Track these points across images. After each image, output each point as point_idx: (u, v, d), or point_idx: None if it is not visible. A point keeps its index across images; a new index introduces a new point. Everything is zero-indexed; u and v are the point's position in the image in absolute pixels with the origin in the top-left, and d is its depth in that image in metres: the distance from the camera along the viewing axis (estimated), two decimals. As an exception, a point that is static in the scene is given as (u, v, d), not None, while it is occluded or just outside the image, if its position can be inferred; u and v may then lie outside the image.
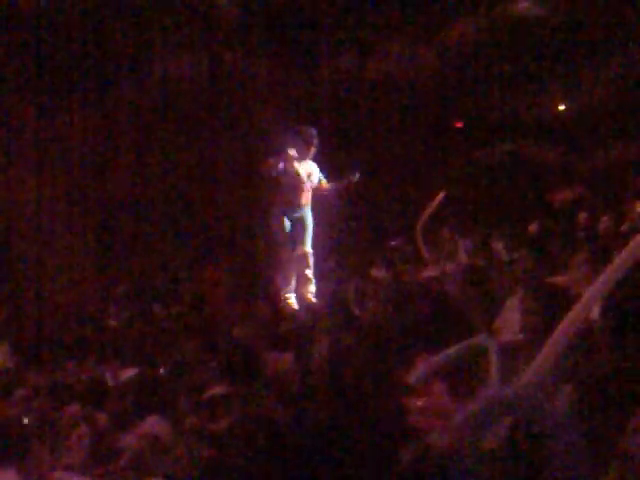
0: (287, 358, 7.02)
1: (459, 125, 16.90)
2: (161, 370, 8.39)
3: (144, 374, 8.03)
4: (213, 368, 7.43)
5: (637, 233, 2.45)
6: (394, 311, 6.46)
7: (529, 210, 13.17)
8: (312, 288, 9.72)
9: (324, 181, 9.78)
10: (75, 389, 8.57)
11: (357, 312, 7.99)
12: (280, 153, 9.36)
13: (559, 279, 5.91)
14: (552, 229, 10.49)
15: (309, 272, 9.73)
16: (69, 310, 14.54)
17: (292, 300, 9.66)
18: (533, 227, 11.02)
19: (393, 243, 12.18)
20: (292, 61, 16.23)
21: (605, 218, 9.78)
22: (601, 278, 2.44)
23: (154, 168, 15.55)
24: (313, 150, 9.49)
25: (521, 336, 5.16)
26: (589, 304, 2.44)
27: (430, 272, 8.78)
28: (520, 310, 5.55)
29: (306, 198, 9.68)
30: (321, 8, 15.82)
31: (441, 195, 10.26)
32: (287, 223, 9.60)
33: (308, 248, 9.72)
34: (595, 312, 3.57)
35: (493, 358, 4.15)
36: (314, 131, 9.53)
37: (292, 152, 9.35)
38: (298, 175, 9.50)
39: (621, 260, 2.35)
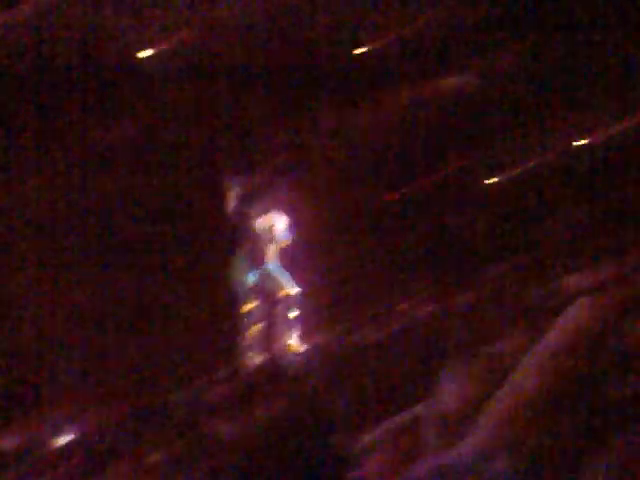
0: (223, 429, 6.96)
1: (394, 197, 17.06)
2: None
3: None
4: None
5: (568, 305, 2.55)
6: (335, 383, 6.48)
7: (465, 280, 13.31)
8: (295, 337, 9.00)
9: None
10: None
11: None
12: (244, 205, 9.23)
13: (495, 349, 6.01)
14: (486, 300, 10.62)
15: (292, 315, 9.05)
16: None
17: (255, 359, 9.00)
18: (468, 297, 11.14)
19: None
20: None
21: (537, 290, 9.93)
22: (536, 349, 2.53)
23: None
24: (279, 200, 9.26)
25: (460, 405, 5.22)
26: (525, 373, 2.52)
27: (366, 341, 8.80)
28: (458, 380, 5.63)
29: (272, 250, 9.25)
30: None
31: None
32: (254, 276, 9.14)
33: (291, 289, 9.11)
34: (531, 382, 3.66)
35: (433, 427, 4.23)
36: (280, 180, 9.36)
37: (254, 204, 9.19)
38: (262, 227, 9.21)
39: (555, 331, 2.44)
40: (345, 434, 5.28)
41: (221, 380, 8.84)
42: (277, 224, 9.31)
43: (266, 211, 9.25)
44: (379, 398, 5.08)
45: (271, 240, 9.26)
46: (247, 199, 9.48)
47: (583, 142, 15.47)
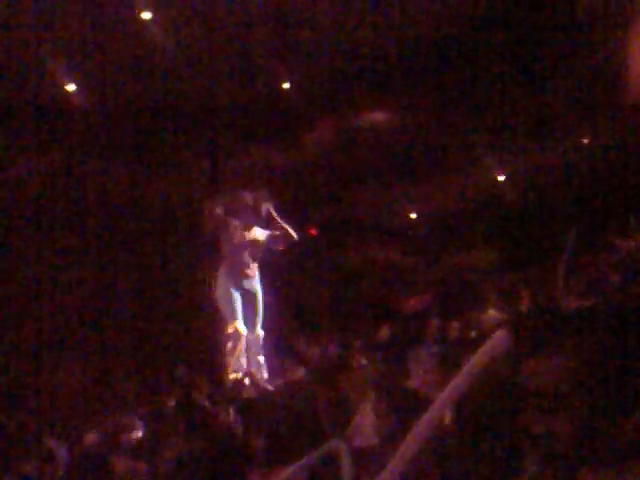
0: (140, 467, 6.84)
1: (313, 232, 17.13)
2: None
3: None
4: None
5: (485, 338, 2.55)
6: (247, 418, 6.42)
7: (379, 315, 13.37)
8: (265, 374, 8.81)
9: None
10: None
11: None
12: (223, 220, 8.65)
13: (411, 383, 6.01)
14: (403, 334, 10.66)
15: (261, 358, 8.84)
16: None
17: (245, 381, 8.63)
18: (384, 332, 11.17)
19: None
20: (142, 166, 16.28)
21: (454, 324, 10.00)
22: (452, 383, 2.51)
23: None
24: (263, 214, 8.74)
25: (375, 440, 5.20)
26: (441, 409, 2.50)
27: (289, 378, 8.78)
28: (373, 414, 5.61)
29: (254, 268, 8.85)
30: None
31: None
32: (235, 295, 8.72)
33: (259, 331, 8.83)
34: (447, 417, 3.65)
35: (347, 463, 4.18)
36: (264, 194, 8.85)
37: (235, 222, 8.67)
38: (245, 244, 8.72)
39: (470, 366, 2.43)
40: (261, 470, 5.21)
41: (142, 417, 8.68)
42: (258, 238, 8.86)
43: (247, 226, 8.79)
44: (295, 433, 5.03)
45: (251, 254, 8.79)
46: (228, 214, 8.89)
47: (500, 181, 15.73)
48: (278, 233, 8.83)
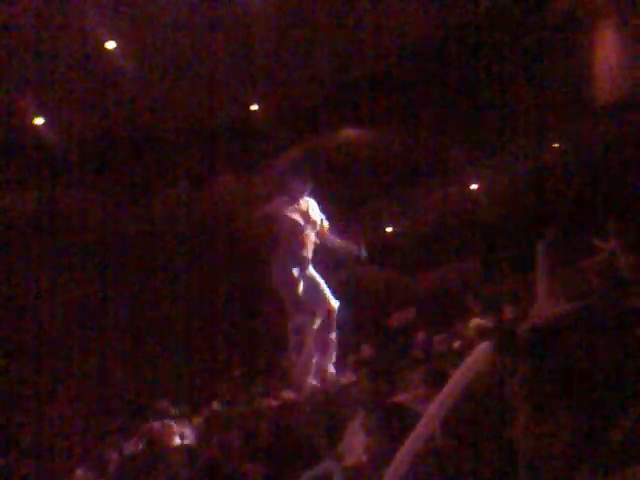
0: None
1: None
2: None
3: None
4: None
5: (470, 350, 2.56)
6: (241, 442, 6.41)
7: (365, 331, 13.37)
8: (334, 356, 8.13)
9: (326, 225, 8.06)
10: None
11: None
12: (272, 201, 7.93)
13: (399, 398, 6.01)
14: (389, 349, 10.67)
15: (333, 335, 8.14)
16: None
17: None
18: (369, 348, 11.17)
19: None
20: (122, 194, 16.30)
21: (439, 337, 10.02)
22: (439, 397, 2.52)
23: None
24: (309, 187, 7.97)
25: (366, 458, 5.19)
26: (429, 424, 2.51)
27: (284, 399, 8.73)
28: (363, 432, 5.60)
29: (311, 250, 8.00)
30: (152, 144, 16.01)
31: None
32: (300, 281, 7.86)
33: (334, 302, 8.11)
34: (433, 430, 3.65)
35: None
36: (306, 164, 8.19)
37: (284, 198, 7.95)
38: (297, 223, 7.91)
39: (456, 379, 2.44)
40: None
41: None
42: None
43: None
44: (286, 455, 5.02)
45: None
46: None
47: (475, 190, 15.79)
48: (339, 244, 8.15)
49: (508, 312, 7.86)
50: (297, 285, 7.86)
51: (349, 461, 5.55)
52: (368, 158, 15.84)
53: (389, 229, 17.24)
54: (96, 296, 15.54)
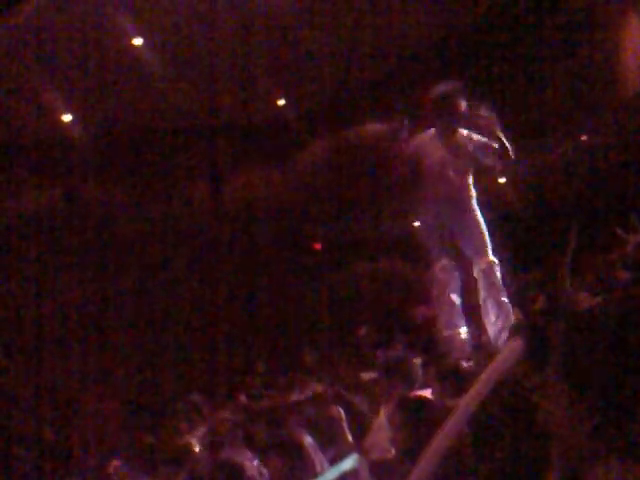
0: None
1: (318, 247, 17.09)
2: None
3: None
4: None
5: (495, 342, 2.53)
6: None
7: (389, 326, 13.34)
8: (505, 321, 6.52)
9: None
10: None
11: None
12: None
13: (422, 393, 5.98)
14: (412, 344, 10.62)
15: (498, 295, 6.73)
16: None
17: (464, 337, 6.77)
18: (395, 343, 11.13)
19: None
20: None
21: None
22: (468, 393, 2.49)
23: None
24: (463, 113, 6.73)
25: (392, 453, 5.17)
26: (459, 421, 2.47)
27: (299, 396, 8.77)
28: (388, 427, 5.58)
29: (467, 189, 6.85)
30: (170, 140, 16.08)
31: None
32: (440, 226, 6.83)
33: (491, 257, 6.83)
34: (460, 428, 3.63)
35: (365, 478, 4.15)
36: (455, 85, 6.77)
37: (429, 132, 6.86)
38: (445, 160, 6.77)
39: (487, 377, 2.41)
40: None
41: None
42: None
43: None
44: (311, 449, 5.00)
45: None
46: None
47: (501, 183, 15.68)
48: (487, 142, 6.80)
49: (538, 303, 7.55)
50: (443, 228, 6.83)
51: (374, 456, 5.53)
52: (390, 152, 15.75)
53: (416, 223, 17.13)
54: (123, 290, 15.60)
